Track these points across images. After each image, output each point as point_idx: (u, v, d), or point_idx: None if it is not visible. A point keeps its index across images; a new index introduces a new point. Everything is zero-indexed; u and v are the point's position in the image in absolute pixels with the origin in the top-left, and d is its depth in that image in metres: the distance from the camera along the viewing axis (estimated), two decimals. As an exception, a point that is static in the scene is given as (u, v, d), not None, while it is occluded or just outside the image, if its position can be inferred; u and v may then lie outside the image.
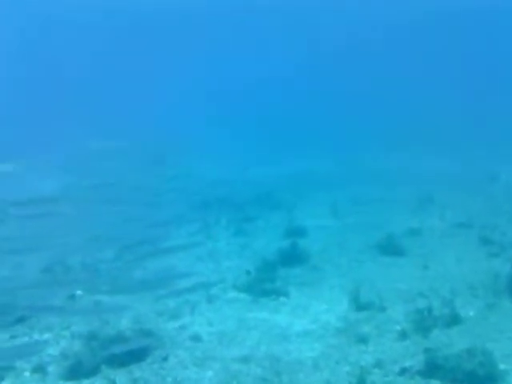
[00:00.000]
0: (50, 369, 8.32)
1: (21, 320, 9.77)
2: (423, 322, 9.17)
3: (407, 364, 8.03)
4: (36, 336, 9.41)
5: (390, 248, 13.51)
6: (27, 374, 8.26)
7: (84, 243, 11.49)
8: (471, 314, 9.82)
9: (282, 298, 10.98)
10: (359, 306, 10.24)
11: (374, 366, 8.06)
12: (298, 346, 8.95)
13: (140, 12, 56.85)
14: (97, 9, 54.35)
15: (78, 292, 11.09)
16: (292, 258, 12.85)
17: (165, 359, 8.52)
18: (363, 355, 8.49)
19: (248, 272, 11.95)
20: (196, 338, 9.20)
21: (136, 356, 8.42)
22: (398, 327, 9.32)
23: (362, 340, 8.93)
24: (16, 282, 11.03)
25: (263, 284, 11.32)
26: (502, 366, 7.77)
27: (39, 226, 10.97)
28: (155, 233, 11.94)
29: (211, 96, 61.94)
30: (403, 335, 8.97)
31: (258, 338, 9.28)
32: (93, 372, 8.09)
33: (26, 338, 9.33)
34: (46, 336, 9.38)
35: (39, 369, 8.29)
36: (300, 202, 19.45)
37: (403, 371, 7.87)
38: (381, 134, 35.36)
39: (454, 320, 9.35)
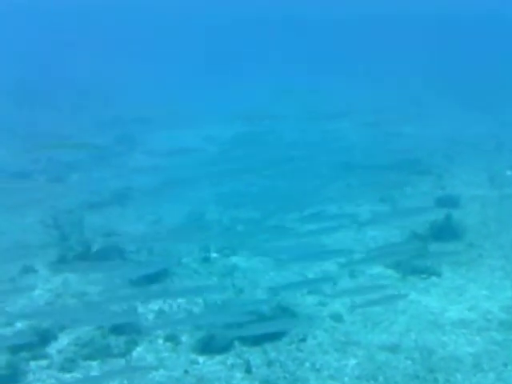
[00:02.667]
0: (183, 338, 7.92)
1: (154, 280, 9.52)
2: None
3: None
4: (169, 300, 9.00)
5: None
6: (160, 341, 7.93)
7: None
8: None
9: (433, 278, 9.78)
10: (528, 295, 8.81)
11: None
12: (455, 337, 7.82)
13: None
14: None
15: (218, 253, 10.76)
16: (445, 231, 11.44)
17: (303, 340, 7.78)
18: (538, 359, 7.18)
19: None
20: (337, 318, 8.35)
21: (271, 334, 7.74)
22: None
23: (535, 339, 7.60)
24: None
25: (412, 260, 10.13)
26: None
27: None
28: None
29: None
30: None
31: (407, 323, 8.25)
32: (226, 348, 7.56)
33: (160, 302, 8.98)
34: (180, 301, 8.97)
35: (172, 337, 7.93)
36: (452, 168, 17.62)
37: None
38: None
39: None
